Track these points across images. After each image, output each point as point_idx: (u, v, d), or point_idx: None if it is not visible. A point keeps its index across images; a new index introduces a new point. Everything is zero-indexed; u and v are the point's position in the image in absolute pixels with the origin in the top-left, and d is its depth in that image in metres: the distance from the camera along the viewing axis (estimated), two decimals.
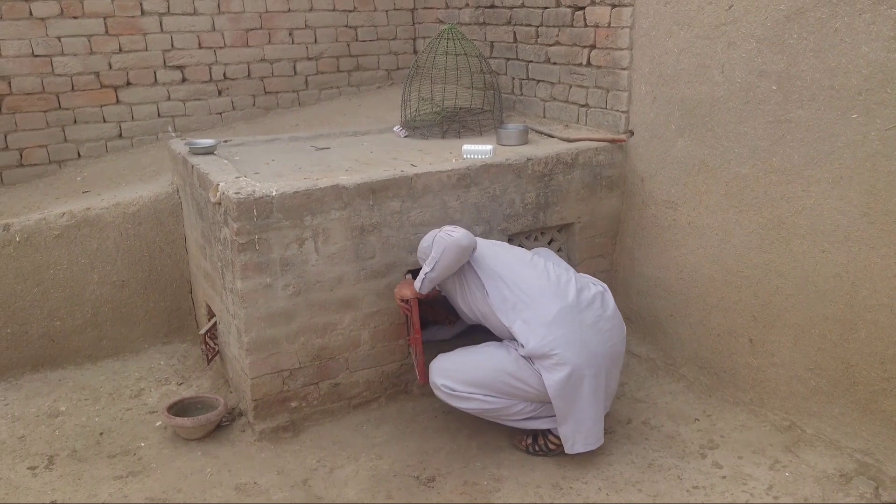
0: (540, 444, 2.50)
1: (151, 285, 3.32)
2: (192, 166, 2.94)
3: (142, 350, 3.33)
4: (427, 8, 4.55)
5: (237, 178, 2.66)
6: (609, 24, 3.09)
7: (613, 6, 3.05)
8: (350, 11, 4.45)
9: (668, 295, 3.04)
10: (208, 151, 3.10)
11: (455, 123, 3.49)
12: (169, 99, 4.04)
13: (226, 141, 3.41)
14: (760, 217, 2.59)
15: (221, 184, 2.59)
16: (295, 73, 4.38)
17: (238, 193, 2.48)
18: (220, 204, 2.59)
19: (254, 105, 4.30)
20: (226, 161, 2.97)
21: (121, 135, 3.97)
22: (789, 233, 2.50)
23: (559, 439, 2.41)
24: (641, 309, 3.19)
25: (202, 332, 2.95)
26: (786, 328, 2.57)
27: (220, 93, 4.17)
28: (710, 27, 2.65)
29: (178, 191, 3.31)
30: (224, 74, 4.16)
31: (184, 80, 4.05)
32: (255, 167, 3.01)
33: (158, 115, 4.04)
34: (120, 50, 3.86)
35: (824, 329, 2.44)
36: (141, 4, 3.85)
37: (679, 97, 2.83)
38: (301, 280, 2.62)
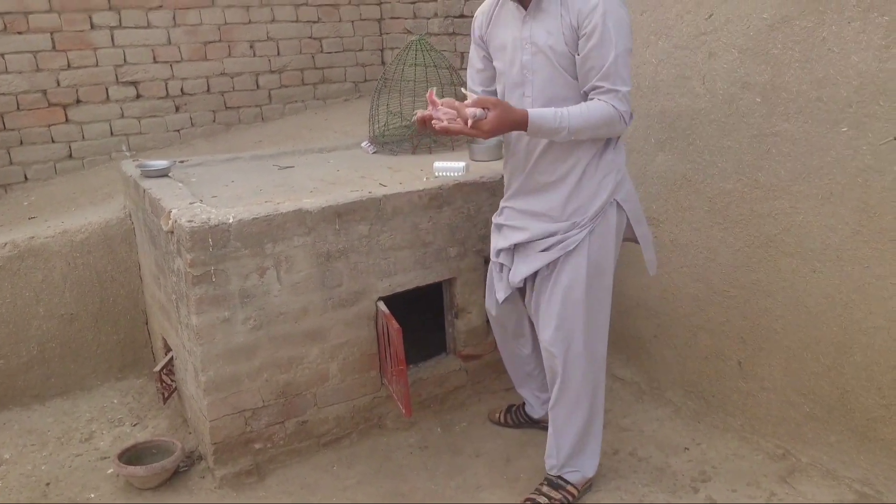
0: (514, 414, 2.73)
1: (103, 317, 3.10)
2: (144, 191, 2.74)
3: (94, 387, 3.11)
4: (394, 18, 4.40)
5: (191, 203, 2.47)
6: None
7: None
8: (314, 22, 4.28)
9: (651, 315, 2.91)
10: (162, 174, 2.90)
11: (426, 138, 3.34)
12: (122, 116, 3.84)
13: (182, 161, 3.21)
14: (747, 234, 2.47)
15: (174, 211, 2.40)
16: (257, 86, 4.20)
17: (191, 221, 2.29)
18: (172, 233, 2.40)
19: (214, 121, 4.11)
20: (181, 184, 2.78)
21: (71, 156, 3.76)
22: (777, 251, 2.39)
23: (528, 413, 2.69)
24: (624, 330, 3.06)
25: (157, 369, 2.75)
26: (776, 351, 2.45)
27: (177, 109, 3.98)
28: (689, 37, 2.53)
29: (130, 215, 3.10)
30: (181, 89, 3.96)
31: (138, 96, 3.85)
32: (213, 190, 2.82)
33: (111, 133, 3.83)
34: (69, 66, 3.65)
35: (817, 352, 2.32)
36: (90, 18, 3.64)
37: (658, 109, 2.71)
38: (263, 312, 2.44)
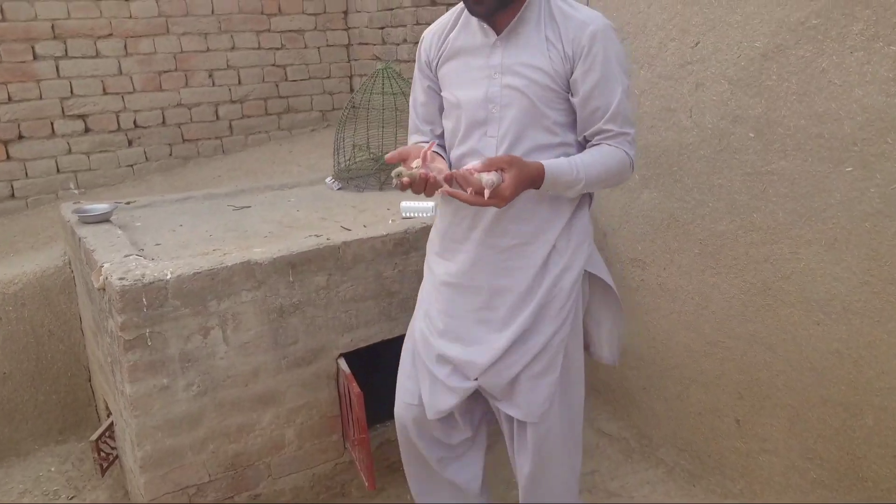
0: None
1: (40, 376, 2.82)
2: (80, 239, 2.48)
3: (31, 452, 2.82)
4: (363, 44, 4.19)
5: (126, 256, 2.21)
6: None
7: None
8: (277, 49, 4.05)
9: (639, 365, 2.68)
10: (102, 219, 2.63)
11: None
12: (70, 152, 3.57)
13: (128, 202, 2.95)
14: (742, 281, 2.25)
15: (106, 265, 2.14)
16: (217, 117, 3.95)
17: (123, 279, 2.03)
18: (104, 290, 2.14)
19: (171, 155, 3.85)
20: (120, 231, 2.52)
21: (13, 195, 3.48)
22: (776, 300, 2.17)
23: None
24: (610, 380, 2.82)
25: (94, 437, 2.47)
26: (778, 409, 2.22)
27: (130, 143, 3.72)
28: (674, 66, 2.33)
29: (70, 263, 2.83)
30: (134, 122, 3.71)
31: (87, 130, 3.59)
32: (158, 236, 2.56)
33: (58, 170, 3.56)
34: (9, 100, 3.38)
35: (824, 413, 2.09)
36: (33, 48, 3.39)
37: (642, 144, 2.49)
38: (207, 377, 2.18)
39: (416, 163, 1.56)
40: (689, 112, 2.31)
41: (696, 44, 2.24)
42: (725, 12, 2.15)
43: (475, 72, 1.71)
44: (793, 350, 2.15)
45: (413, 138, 1.90)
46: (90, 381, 2.93)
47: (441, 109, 1.85)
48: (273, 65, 4.03)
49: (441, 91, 1.81)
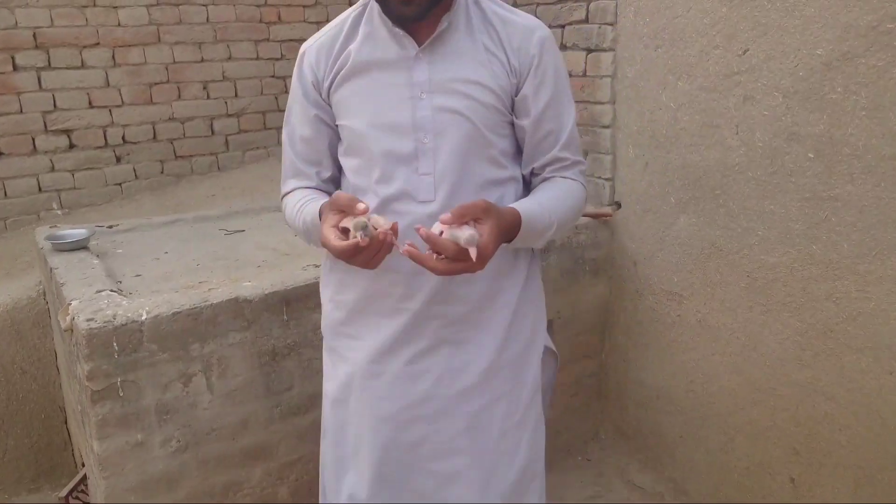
0: None
1: (12, 418, 2.56)
2: (51, 270, 2.23)
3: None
4: None
5: (98, 292, 1.95)
6: (584, 72, 2.49)
7: (589, 51, 2.46)
8: (277, 60, 3.81)
9: (676, 410, 2.40)
10: (77, 246, 2.38)
11: None
12: (53, 170, 3.32)
13: (110, 226, 2.69)
14: (798, 321, 1.98)
15: (74, 303, 1.88)
16: (212, 132, 3.71)
17: (92, 320, 1.77)
18: (71, 332, 1.87)
19: (162, 172, 3.60)
20: (96, 261, 2.26)
21: None
22: (840, 344, 1.89)
23: None
24: (641, 425, 2.54)
25: (62, 494, 2.20)
26: (841, 469, 1.94)
27: (118, 160, 3.47)
28: (718, 77, 2.06)
29: (45, 294, 2.58)
30: (123, 137, 3.46)
31: (71, 146, 3.34)
32: (139, 266, 2.31)
33: (40, 189, 3.31)
34: None
35: None
36: (13, 58, 3.14)
37: (679, 163, 2.23)
38: (189, 430, 1.91)
39: (370, 218, 1.18)
40: (736, 128, 2.05)
41: (745, 51, 1.98)
42: (781, 16, 1.88)
43: (392, 92, 1.34)
44: (859, 402, 1.87)
45: (290, 184, 1.49)
46: (66, 423, 2.66)
47: (332, 145, 1.46)
48: (272, 76, 3.78)
49: (336, 120, 1.42)
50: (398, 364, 1.43)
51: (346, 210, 1.22)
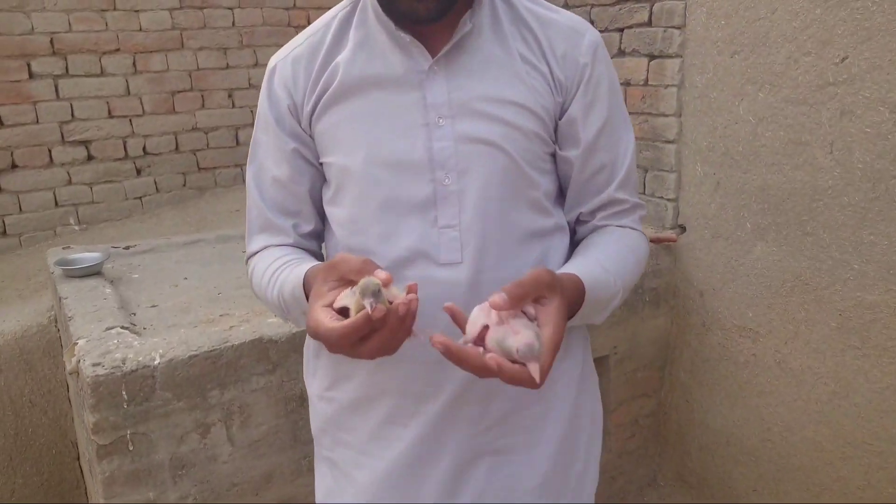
0: None
1: (20, 454, 2.38)
2: (60, 300, 2.04)
3: None
4: None
5: (108, 329, 1.75)
6: (646, 80, 2.25)
7: (651, 57, 2.21)
8: None
9: (748, 460, 2.14)
10: (91, 272, 2.19)
11: None
12: (70, 183, 3.17)
13: (126, 247, 2.51)
14: None
15: (81, 342, 1.69)
16: (237, 143, 3.53)
17: (99, 365, 1.57)
18: (77, 375, 1.68)
19: (184, 185, 3.43)
20: (109, 289, 2.07)
21: (5, 232, 3.08)
22: None
23: None
24: (707, 473, 2.29)
25: None
26: None
27: (138, 172, 3.30)
28: (809, 88, 1.81)
29: (55, 321, 2.40)
30: (143, 149, 3.30)
31: (89, 157, 3.18)
32: (156, 293, 2.12)
33: (56, 204, 3.15)
34: (2, 124, 2.99)
35: None
36: (28, 66, 2.99)
37: (757, 184, 1.98)
38: (207, 486, 1.71)
39: (393, 289, 0.83)
40: (830, 147, 1.79)
41: (843, 59, 1.72)
42: (888, 19, 1.63)
43: (399, 118, 1.00)
44: None
45: (257, 242, 1.11)
46: (78, 459, 2.48)
47: (315, 189, 1.10)
48: None
49: (321, 157, 1.06)
50: (426, 491, 1.07)
51: (353, 280, 0.83)
